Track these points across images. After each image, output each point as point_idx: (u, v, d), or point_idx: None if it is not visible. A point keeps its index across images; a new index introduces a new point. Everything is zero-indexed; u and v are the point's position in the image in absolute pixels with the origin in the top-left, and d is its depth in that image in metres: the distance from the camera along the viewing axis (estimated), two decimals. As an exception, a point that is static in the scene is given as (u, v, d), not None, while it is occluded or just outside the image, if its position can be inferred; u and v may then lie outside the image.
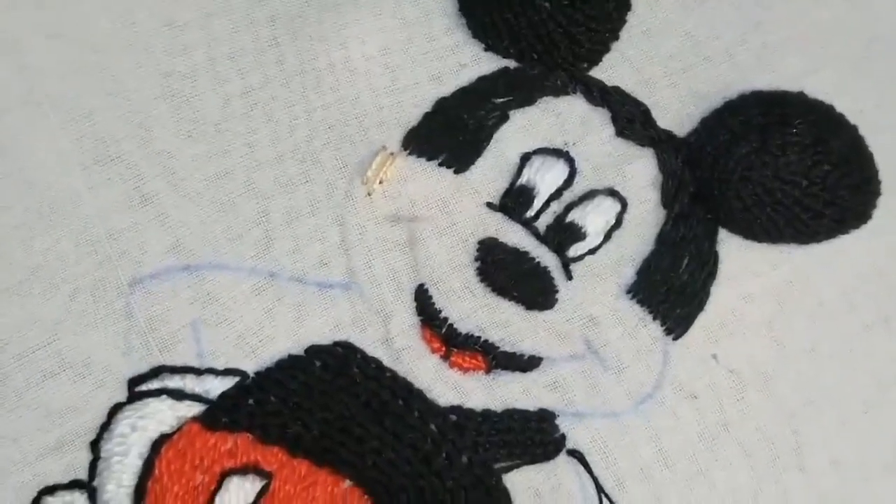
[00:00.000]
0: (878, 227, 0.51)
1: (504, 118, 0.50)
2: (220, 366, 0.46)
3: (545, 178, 0.49)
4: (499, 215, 0.49)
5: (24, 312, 0.46)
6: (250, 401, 0.45)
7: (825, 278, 0.50)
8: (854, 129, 0.51)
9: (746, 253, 0.50)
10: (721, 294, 0.49)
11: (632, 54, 0.53)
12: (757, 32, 0.54)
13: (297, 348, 0.47)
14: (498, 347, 0.47)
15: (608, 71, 0.52)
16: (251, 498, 0.44)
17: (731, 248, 0.50)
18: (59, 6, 0.50)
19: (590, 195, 0.49)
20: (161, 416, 0.45)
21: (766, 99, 0.52)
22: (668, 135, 0.51)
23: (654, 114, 0.52)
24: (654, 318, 0.48)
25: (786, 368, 0.49)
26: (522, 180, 0.49)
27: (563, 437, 0.47)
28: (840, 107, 0.52)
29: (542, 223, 0.49)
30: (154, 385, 0.45)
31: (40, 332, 0.46)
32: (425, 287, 0.48)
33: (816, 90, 0.52)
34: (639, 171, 0.50)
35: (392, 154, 0.49)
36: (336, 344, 0.47)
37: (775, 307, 0.49)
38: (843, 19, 0.55)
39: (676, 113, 0.52)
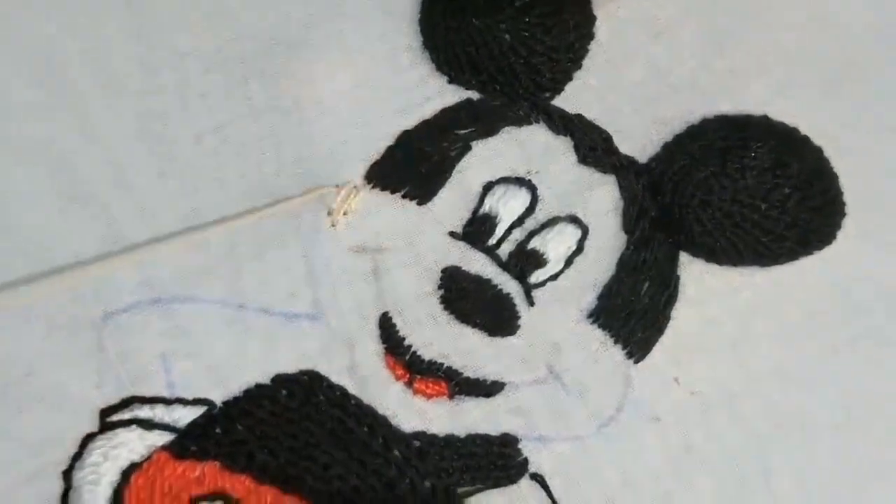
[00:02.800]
0: (842, 248, 0.51)
1: (466, 149, 0.51)
2: (189, 396, 0.47)
3: (507, 205, 0.50)
4: (461, 244, 0.50)
5: (2, 348, 0.48)
6: (218, 429, 0.47)
7: (789, 300, 0.51)
8: (818, 150, 0.52)
9: (709, 276, 0.50)
10: (683, 317, 0.50)
11: (595, 83, 0.53)
12: (722, 58, 0.55)
13: (265, 378, 0.48)
14: (461, 373, 0.48)
15: (571, 100, 0.53)
16: (217, 524, 0.45)
17: (693, 272, 0.50)
18: (35, 50, 0.52)
19: (551, 222, 0.50)
20: (131, 445, 0.46)
21: (727, 123, 0.52)
22: (630, 161, 0.52)
23: (618, 140, 0.52)
24: (616, 342, 0.49)
25: (751, 390, 0.49)
26: (485, 209, 0.50)
27: (526, 460, 0.48)
28: (806, 129, 0.52)
29: (505, 251, 0.50)
30: (125, 415, 0.47)
31: (16, 367, 0.47)
32: (389, 315, 0.49)
33: (783, 113, 0.53)
34: (601, 198, 0.51)
35: (356, 187, 0.50)
36: (302, 373, 0.48)
37: (739, 329, 0.50)
38: (811, 42, 0.55)
39: (640, 139, 0.53)
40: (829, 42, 0.56)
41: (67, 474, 0.46)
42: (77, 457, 0.46)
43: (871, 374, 0.50)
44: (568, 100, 0.53)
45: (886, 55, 0.56)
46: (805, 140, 0.52)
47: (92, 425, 0.47)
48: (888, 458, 0.49)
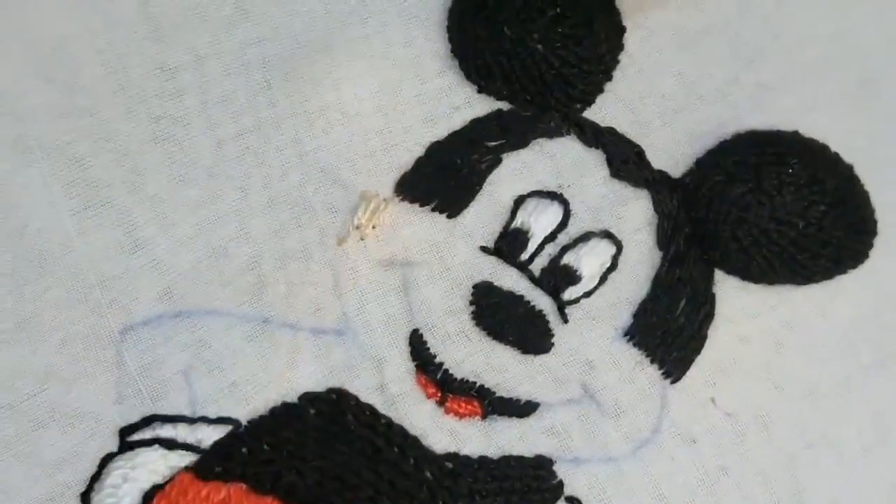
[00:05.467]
0: (874, 267, 0.51)
1: (497, 161, 0.50)
2: (212, 414, 0.45)
3: (539, 220, 0.49)
4: (493, 259, 0.49)
5: (14, 362, 0.45)
6: (243, 449, 0.45)
7: (822, 320, 0.50)
8: (849, 168, 0.51)
9: (743, 294, 0.50)
10: (718, 336, 0.49)
11: (626, 95, 0.52)
12: (750, 72, 0.54)
13: (291, 395, 0.46)
14: (494, 393, 0.47)
15: (602, 112, 0.52)
16: (244, 549, 0.43)
17: (728, 290, 0.50)
18: (50, 51, 0.50)
19: (585, 237, 0.49)
20: (153, 466, 0.44)
21: (760, 138, 0.51)
22: (663, 176, 0.51)
23: (649, 154, 0.51)
24: (652, 362, 0.48)
25: (784, 411, 0.48)
26: (516, 223, 0.49)
27: (561, 483, 0.46)
28: (834, 145, 0.52)
29: (537, 266, 0.49)
30: (146, 434, 0.45)
31: (30, 381, 0.45)
32: (420, 332, 0.47)
33: (811, 129, 0.52)
34: (634, 213, 0.50)
35: (385, 200, 0.48)
36: (330, 391, 0.46)
37: (773, 349, 0.49)
38: (836, 58, 0.55)
39: (671, 153, 0.52)
40: (856, 57, 0.55)
41: (85, 496, 0.44)
42: (96, 478, 0.44)
43: (904, 395, 0.50)
44: (598, 111, 0.52)
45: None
46: (837, 157, 0.51)
47: (111, 444, 0.45)
48: (922, 480, 0.48)
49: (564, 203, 0.50)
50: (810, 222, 0.49)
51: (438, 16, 0.52)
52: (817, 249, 0.49)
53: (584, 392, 0.47)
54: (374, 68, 0.51)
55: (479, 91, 0.51)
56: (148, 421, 0.45)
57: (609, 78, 0.52)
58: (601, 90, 0.52)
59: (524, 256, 0.49)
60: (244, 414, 0.46)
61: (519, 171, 0.50)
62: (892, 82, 0.55)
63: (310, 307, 0.47)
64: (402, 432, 0.46)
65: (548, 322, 0.48)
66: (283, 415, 0.46)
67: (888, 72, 0.55)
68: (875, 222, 0.51)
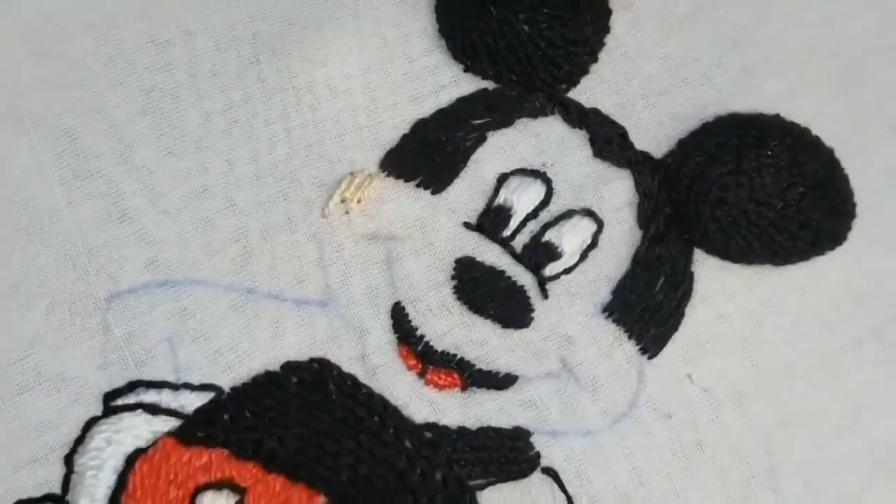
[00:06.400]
0: (853, 249, 0.51)
1: (482, 139, 0.51)
2: (196, 381, 0.46)
3: (522, 197, 0.50)
4: (475, 235, 0.49)
5: (1, 327, 0.46)
6: (225, 416, 0.46)
7: (800, 300, 0.50)
8: (830, 151, 0.52)
9: (722, 274, 0.50)
10: (696, 314, 0.50)
11: (610, 76, 0.53)
12: (735, 55, 0.55)
13: (274, 364, 0.47)
14: (474, 365, 0.48)
15: (586, 93, 0.53)
16: (225, 513, 0.44)
17: (707, 269, 0.50)
18: (40, 23, 0.50)
19: (566, 215, 0.50)
20: (136, 430, 0.45)
21: (742, 121, 0.52)
22: (646, 156, 0.52)
23: (632, 135, 0.52)
24: (630, 338, 0.49)
25: (760, 389, 0.49)
26: (499, 200, 0.50)
27: (538, 455, 0.47)
28: (817, 129, 0.52)
29: (519, 243, 0.49)
30: (130, 399, 0.46)
31: (17, 346, 0.46)
32: (402, 305, 0.48)
33: (794, 113, 0.53)
34: (616, 192, 0.51)
35: (370, 175, 0.49)
36: (312, 360, 0.47)
37: (750, 328, 0.50)
38: (821, 43, 0.55)
39: (654, 135, 0.52)
40: (840, 43, 0.56)
41: (69, 458, 0.45)
42: (80, 441, 0.45)
43: (878, 375, 0.50)
44: (583, 92, 0.53)
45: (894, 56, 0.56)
46: (818, 140, 0.52)
47: (96, 409, 0.45)
48: (894, 458, 0.49)
49: (547, 181, 0.50)
50: (789, 203, 0.49)
51: (427, -4, 0.53)
52: (795, 230, 0.50)
53: (562, 366, 0.48)
54: (363, 46, 0.52)
55: (466, 70, 0.52)
56: (132, 386, 0.46)
57: (594, 60, 0.53)
58: (586, 71, 0.53)
59: (506, 233, 0.49)
60: (227, 381, 0.46)
61: (503, 149, 0.51)
62: (876, 68, 0.55)
63: (294, 278, 0.48)
64: (382, 402, 0.47)
65: (528, 297, 0.49)
66: (265, 383, 0.46)
67: (872, 57, 0.56)
68: (854, 205, 0.51)
